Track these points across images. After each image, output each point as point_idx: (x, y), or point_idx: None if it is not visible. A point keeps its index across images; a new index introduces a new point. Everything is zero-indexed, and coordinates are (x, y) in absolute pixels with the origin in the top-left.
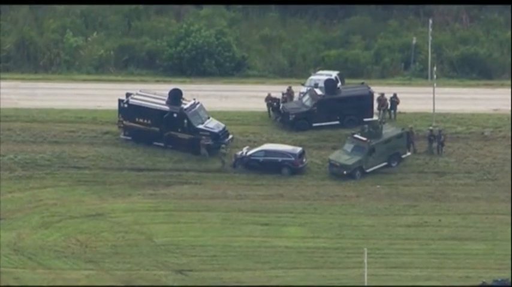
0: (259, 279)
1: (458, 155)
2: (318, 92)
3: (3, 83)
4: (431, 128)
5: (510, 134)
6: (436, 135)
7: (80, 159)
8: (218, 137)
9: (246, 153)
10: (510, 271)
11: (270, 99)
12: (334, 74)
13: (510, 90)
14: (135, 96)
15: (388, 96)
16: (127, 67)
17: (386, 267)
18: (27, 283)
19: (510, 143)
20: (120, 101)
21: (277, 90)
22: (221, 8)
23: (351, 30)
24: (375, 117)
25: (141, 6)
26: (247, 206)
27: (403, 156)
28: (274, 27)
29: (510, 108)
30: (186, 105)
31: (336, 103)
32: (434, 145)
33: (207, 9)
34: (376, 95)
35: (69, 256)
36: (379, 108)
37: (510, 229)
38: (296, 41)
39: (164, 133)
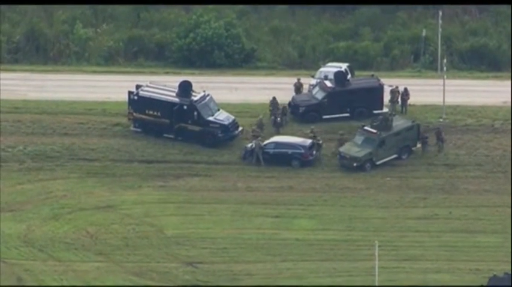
0: (269, 271)
1: (469, 148)
2: (328, 84)
3: (13, 75)
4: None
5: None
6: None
7: (89, 151)
8: (228, 129)
9: None
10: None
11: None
12: (344, 66)
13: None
14: (145, 88)
15: (400, 89)
16: (136, 59)
17: (396, 259)
18: (37, 275)
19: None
20: (130, 93)
21: (287, 82)
22: None
23: (360, 22)
24: (385, 110)
25: None
26: (257, 198)
27: (413, 148)
28: (283, 19)
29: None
30: (196, 97)
31: (346, 95)
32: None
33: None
34: (388, 88)
35: (80, 248)
36: (391, 101)
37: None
38: (305, 33)
39: (174, 125)
